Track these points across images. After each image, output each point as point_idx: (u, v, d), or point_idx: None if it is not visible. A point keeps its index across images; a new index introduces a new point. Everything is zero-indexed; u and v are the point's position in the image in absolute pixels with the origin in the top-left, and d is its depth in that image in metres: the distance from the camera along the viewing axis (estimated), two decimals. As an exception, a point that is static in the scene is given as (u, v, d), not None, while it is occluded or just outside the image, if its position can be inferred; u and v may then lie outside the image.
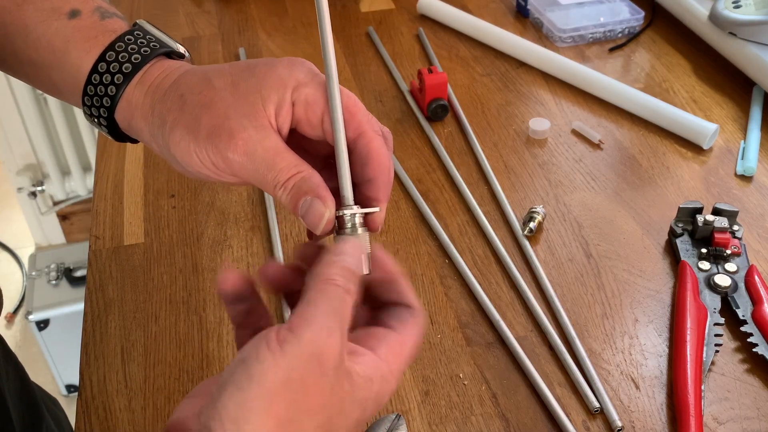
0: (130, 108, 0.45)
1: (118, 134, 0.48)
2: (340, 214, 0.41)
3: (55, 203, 2.03)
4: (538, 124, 0.86)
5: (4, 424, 0.65)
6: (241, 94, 0.42)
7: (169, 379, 0.61)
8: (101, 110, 0.46)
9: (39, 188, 1.96)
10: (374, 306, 0.43)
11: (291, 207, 0.41)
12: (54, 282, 1.88)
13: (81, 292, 1.83)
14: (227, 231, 0.74)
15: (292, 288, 0.42)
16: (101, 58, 0.46)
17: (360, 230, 0.42)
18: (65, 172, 1.97)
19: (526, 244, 0.72)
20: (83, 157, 1.95)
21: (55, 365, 1.81)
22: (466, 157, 0.83)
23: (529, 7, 1.06)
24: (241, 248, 0.72)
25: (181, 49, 0.48)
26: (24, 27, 0.47)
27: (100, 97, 0.46)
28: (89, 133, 1.89)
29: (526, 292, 0.67)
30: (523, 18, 1.08)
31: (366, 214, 0.42)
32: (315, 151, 0.45)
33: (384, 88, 0.94)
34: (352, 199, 0.42)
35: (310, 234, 0.44)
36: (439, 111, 0.87)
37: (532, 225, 0.72)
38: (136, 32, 0.47)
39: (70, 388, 1.85)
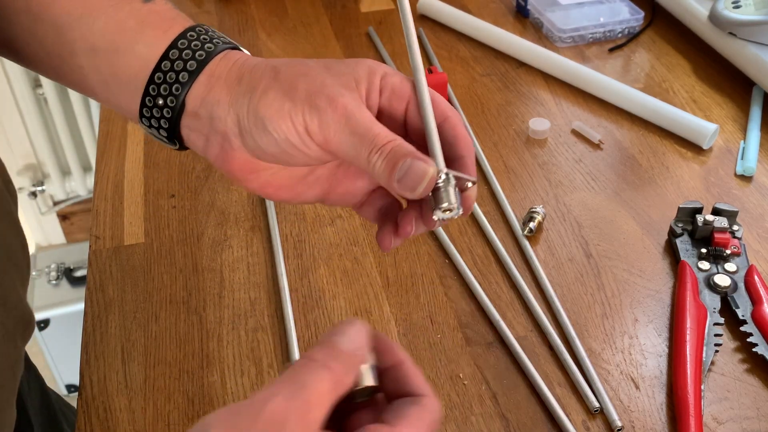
0: (211, 81, 0.44)
1: (173, 130, 0.46)
2: (438, 175, 0.40)
3: (55, 203, 2.03)
4: (538, 124, 0.86)
5: None
6: (335, 73, 0.43)
7: (169, 379, 0.61)
8: (173, 87, 0.44)
9: (39, 188, 1.96)
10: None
11: (387, 171, 0.40)
12: (54, 282, 1.89)
13: (81, 292, 1.83)
14: (227, 231, 0.74)
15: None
16: (182, 35, 0.45)
17: (453, 194, 0.40)
18: (65, 172, 1.97)
19: (526, 244, 0.72)
20: (83, 157, 1.95)
21: (55, 365, 1.81)
22: (466, 157, 0.83)
23: (529, 7, 1.06)
24: (241, 248, 0.72)
25: (244, 50, 0.48)
26: (94, 10, 0.46)
27: (176, 73, 0.44)
28: (89, 133, 1.89)
29: (526, 292, 0.67)
30: (523, 18, 1.08)
31: (460, 188, 0.41)
32: None
33: (384, 88, 0.94)
34: (443, 164, 0.41)
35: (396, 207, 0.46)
36: (439, 111, 0.87)
37: (532, 225, 0.72)
38: (204, 26, 0.47)
39: (70, 388, 1.85)
